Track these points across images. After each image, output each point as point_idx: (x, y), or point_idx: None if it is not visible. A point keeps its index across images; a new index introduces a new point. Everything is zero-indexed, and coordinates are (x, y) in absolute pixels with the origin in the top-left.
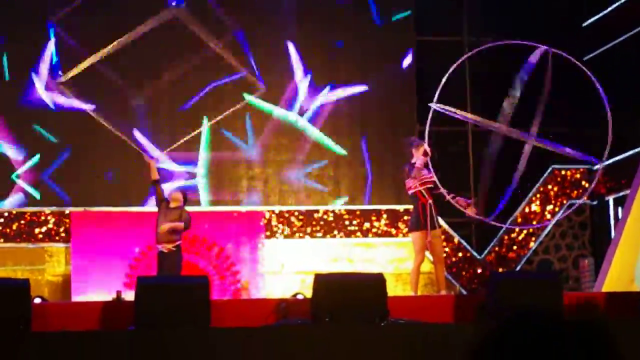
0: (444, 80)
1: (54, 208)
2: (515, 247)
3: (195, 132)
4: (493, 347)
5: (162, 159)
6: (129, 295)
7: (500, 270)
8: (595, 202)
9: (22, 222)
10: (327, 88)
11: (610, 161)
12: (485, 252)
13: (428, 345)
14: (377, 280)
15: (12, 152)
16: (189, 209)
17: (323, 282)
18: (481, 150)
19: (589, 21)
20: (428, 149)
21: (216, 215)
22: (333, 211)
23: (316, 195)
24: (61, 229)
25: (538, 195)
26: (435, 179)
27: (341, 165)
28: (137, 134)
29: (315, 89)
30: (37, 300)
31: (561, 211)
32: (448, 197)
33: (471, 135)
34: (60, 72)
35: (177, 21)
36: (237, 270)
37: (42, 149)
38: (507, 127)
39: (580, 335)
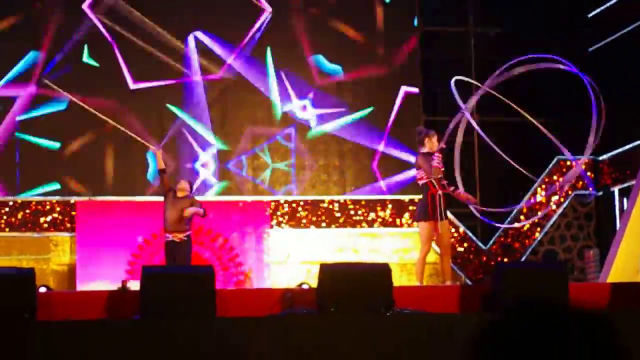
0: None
1: (59, 197)
2: (520, 238)
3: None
4: (496, 337)
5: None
6: (132, 285)
7: (506, 260)
8: (600, 193)
9: (28, 211)
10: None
11: (615, 152)
12: (491, 242)
13: (433, 335)
14: (383, 270)
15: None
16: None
17: (329, 272)
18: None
19: (595, 12)
20: (440, 144)
21: (221, 205)
22: (338, 201)
23: (321, 186)
24: (66, 218)
25: (543, 186)
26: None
27: (346, 155)
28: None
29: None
30: (42, 290)
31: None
32: (449, 190)
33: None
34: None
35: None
36: (240, 262)
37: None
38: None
39: (584, 325)
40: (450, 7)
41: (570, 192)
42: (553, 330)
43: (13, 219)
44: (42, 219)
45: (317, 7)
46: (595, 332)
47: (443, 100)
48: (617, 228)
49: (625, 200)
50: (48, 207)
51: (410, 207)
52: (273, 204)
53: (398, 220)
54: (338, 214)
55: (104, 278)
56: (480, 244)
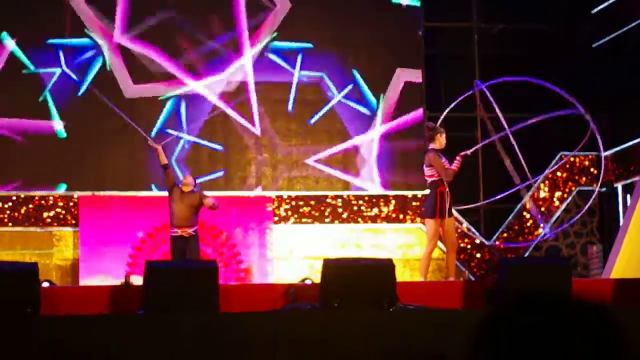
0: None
1: (62, 192)
2: (523, 234)
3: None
4: (498, 330)
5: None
6: (135, 280)
7: (509, 256)
8: (603, 189)
9: (31, 206)
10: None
11: (618, 148)
12: (494, 238)
13: (437, 331)
14: (386, 266)
15: None
16: None
17: (332, 267)
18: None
19: (598, 8)
20: (467, 152)
21: (224, 200)
22: (341, 197)
23: (324, 181)
24: (69, 213)
25: (547, 182)
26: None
27: (349, 150)
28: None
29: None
30: (45, 285)
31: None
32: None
33: (479, 122)
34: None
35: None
36: (241, 260)
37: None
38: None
39: (587, 317)
40: (454, 3)
41: (573, 188)
42: (555, 323)
43: (16, 214)
44: (45, 214)
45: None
46: (598, 324)
47: (446, 96)
48: (621, 224)
49: (628, 196)
50: (51, 202)
51: (414, 203)
52: (276, 199)
53: (401, 216)
54: (341, 210)
55: (107, 273)
56: (483, 239)
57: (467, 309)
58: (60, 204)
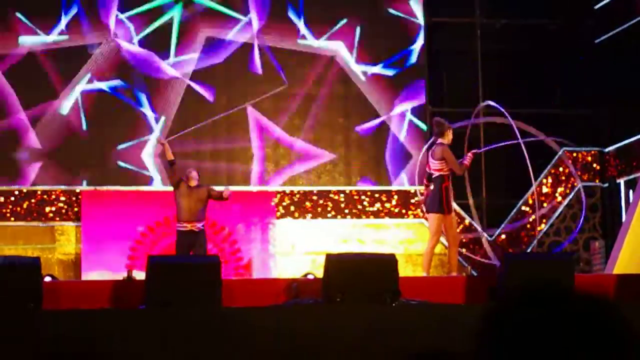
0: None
1: (64, 187)
2: (526, 229)
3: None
4: (500, 325)
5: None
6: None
7: (511, 251)
8: (606, 185)
9: (33, 200)
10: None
11: (621, 144)
12: (496, 233)
13: (439, 326)
14: (389, 261)
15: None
16: None
17: (335, 262)
18: (491, 133)
19: (601, 3)
20: (477, 150)
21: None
22: (344, 192)
23: (327, 176)
24: (72, 208)
25: (549, 178)
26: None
27: (352, 146)
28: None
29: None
30: (48, 279)
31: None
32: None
33: (482, 116)
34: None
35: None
36: (241, 257)
37: None
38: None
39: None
40: None
41: (576, 184)
42: (558, 317)
43: (18, 209)
44: (47, 209)
45: None
46: (602, 317)
47: (449, 91)
48: (623, 220)
49: (631, 191)
50: (53, 196)
51: (416, 198)
52: (278, 194)
53: (404, 211)
54: (343, 205)
55: (109, 267)
56: (486, 235)
57: (469, 304)
58: (63, 198)
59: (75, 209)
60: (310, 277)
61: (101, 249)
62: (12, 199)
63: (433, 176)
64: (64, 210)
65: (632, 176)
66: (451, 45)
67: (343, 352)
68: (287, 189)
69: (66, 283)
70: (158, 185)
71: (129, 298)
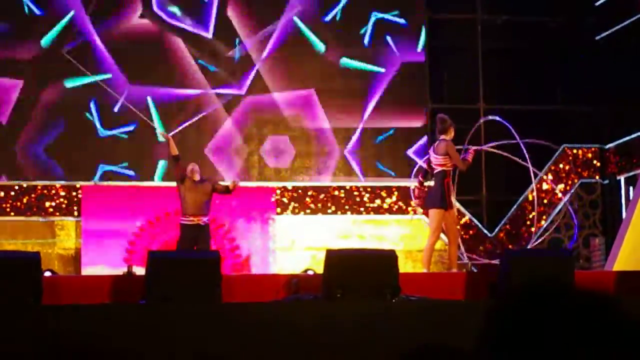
0: None
1: (64, 182)
2: (526, 226)
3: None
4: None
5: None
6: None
7: (510, 247)
8: (606, 182)
9: (33, 195)
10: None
11: (621, 141)
12: (496, 230)
13: (439, 322)
14: (389, 257)
15: None
16: None
17: (335, 257)
18: (492, 132)
19: (602, 0)
20: (480, 148)
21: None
22: (344, 187)
23: (327, 172)
24: (72, 203)
25: (550, 174)
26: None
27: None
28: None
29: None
30: (48, 274)
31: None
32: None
33: (482, 113)
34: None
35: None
36: (239, 254)
37: None
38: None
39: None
40: None
41: (576, 181)
42: (561, 314)
43: (18, 203)
44: (47, 204)
45: None
46: (605, 314)
47: (449, 88)
48: (623, 216)
49: (631, 188)
50: (53, 191)
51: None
52: (279, 190)
53: (404, 207)
54: (344, 200)
55: (109, 262)
56: (486, 231)
57: (469, 300)
58: (63, 193)
59: (75, 204)
60: (310, 272)
61: (101, 244)
62: (12, 193)
63: (435, 171)
64: (63, 205)
65: (632, 173)
66: (452, 42)
67: (343, 348)
68: (288, 184)
69: (66, 278)
70: (158, 180)
71: (129, 293)
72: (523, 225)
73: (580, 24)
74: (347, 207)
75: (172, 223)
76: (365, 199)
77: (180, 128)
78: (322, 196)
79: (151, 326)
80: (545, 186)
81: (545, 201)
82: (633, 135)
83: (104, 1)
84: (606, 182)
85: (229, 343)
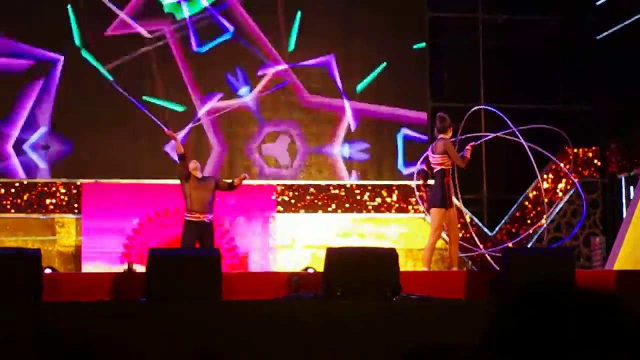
0: None
1: (65, 179)
2: (526, 225)
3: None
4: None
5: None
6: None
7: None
8: (607, 181)
9: (33, 192)
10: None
11: (622, 140)
12: (497, 229)
13: (440, 320)
14: (390, 255)
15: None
16: None
17: (335, 256)
18: (490, 127)
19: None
20: (473, 143)
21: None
22: (344, 186)
23: (327, 170)
24: (72, 200)
25: (550, 173)
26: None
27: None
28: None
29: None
30: (48, 271)
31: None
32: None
33: (483, 112)
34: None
35: None
36: (236, 254)
37: None
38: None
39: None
40: None
41: (577, 179)
42: (564, 313)
43: (19, 200)
44: (48, 201)
45: None
46: (604, 312)
47: (450, 87)
48: (624, 216)
49: (631, 187)
50: (54, 188)
51: (417, 193)
52: (280, 188)
53: (404, 206)
54: (344, 199)
55: (109, 260)
56: (486, 230)
57: (470, 299)
58: (63, 190)
59: (76, 202)
60: (310, 271)
61: (101, 241)
62: (13, 190)
63: (434, 170)
64: (64, 203)
65: (632, 172)
66: (452, 41)
67: (343, 346)
68: (289, 182)
69: (66, 275)
70: (160, 178)
71: (129, 290)
72: (524, 224)
73: (580, 23)
74: (347, 205)
75: (171, 220)
76: (366, 197)
77: (186, 127)
78: (322, 194)
79: (151, 324)
80: (545, 185)
81: (546, 200)
82: (634, 135)
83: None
84: (607, 181)
85: (229, 341)
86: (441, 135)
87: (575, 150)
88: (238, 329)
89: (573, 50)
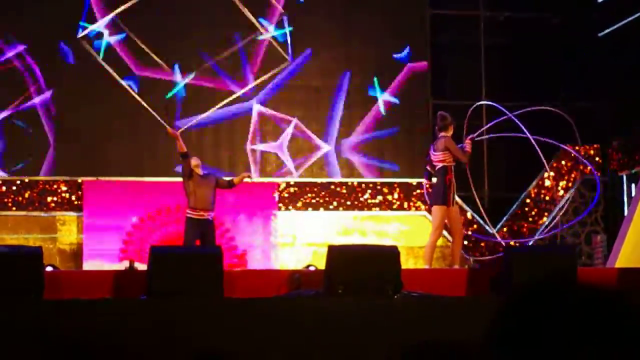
0: None
1: (66, 177)
2: (527, 223)
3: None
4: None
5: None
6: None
7: (512, 243)
8: (608, 178)
9: (35, 190)
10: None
11: (624, 138)
12: (498, 226)
13: (441, 318)
14: (391, 253)
15: None
16: None
17: (337, 253)
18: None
19: None
20: (473, 135)
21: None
22: (346, 183)
23: (328, 167)
24: (73, 198)
25: (551, 171)
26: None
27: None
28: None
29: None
30: (49, 269)
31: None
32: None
33: (485, 109)
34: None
35: None
36: (235, 255)
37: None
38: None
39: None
40: None
41: (578, 178)
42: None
43: (20, 198)
44: (49, 198)
45: None
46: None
47: (451, 84)
48: (625, 213)
49: (633, 185)
50: (55, 186)
51: (418, 191)
52: (282, 184)
53: (405, 204)
54: (345, 196)
55: (110, 258)
56: (487, 227)
57: (471, 297)
58: (64, 188)
59: (77, 199)
60: (311, 268)
61: (103, 239)
62: (14, 188)
63: (436, 168)
64: (65, 200)
65: (634, 170)
66: (454, 38)
67: (344, 344)
68: (290, 180)
69: (67, 273)
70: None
71: (130, 288)
72: (525, 221)
73: (582, 21)
74: (348, 203)
75: (171, 218)
76: (367, 195)
77: (188, 124)
78: (323, 192)
79: (152, 321)
80: (547, 182)
81: (547, 198)
82: (635, 132)
83: None
84: (608, 179)
85: (231, 338)
86: (442, 134)
87: (577, 148)
88: (239, 327)
89: (574, 48)
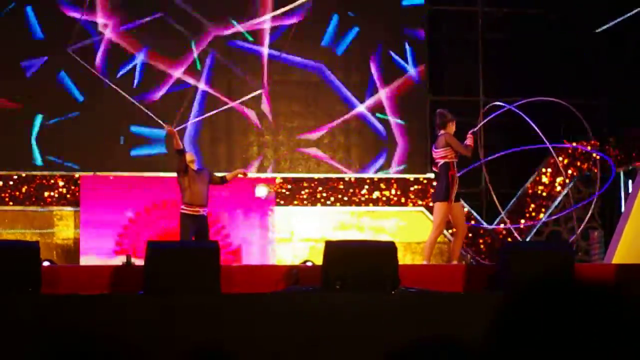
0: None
1: (63, 172)
2: (524, 219)
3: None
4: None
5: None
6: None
7: (509, 240)
8: (605, 174)
9: (32, 185)
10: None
11: (621, 134)
12: (495, 222)
13: (439, 314)
14: (389, 249)
15: None
16: None
17: (334, 249)
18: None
19: None
20: (474, 129)
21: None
22: (343, 179)
23: (326, 163)
24: (70, 193)
25: (549, 167)
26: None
27: (352, 133)
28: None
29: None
30: (46, 264)
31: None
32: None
33: (482, 106)
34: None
35: None
36: (230, 250)
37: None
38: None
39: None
40: None
41: (575, 174)
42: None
43: (17, 193)
44: (46, 193)
45: None
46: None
47: (449, 80)
48: (622, 210)
49: (630, 182)
50: (52, 181)
51: (416, 187)
52: (277, 180)
53: (403, 199)
54: (343, 192)
55: (107, 253)
56: (485, 224)
57: (468, 292)
58: (61, 183)
59: (74, 194)
60: (309, 264)
61: (100, 234)
62: (11, 183)
63: (438, 165)
64: (62, 195)
65: (631, 166)
66: (452, 34)
67: (342, 339)
68: (287, 175)
69: (65, 268)
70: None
71: (128, 283)
72: (522, 217)
73: (580, 17)
74: (346, 198)
75: (167, 212)
76: (364, 190)
77: (189, 122)
78: (321, 188)
79: (150, 316)
80: (544, 179)
81: (544, 194)
82: (632, 129)
83: None
84: (605, 175)
85: (228, 333)
86: (442, 131)
87: (574, 144)
88: (237, 322)
89: (572, 44)
